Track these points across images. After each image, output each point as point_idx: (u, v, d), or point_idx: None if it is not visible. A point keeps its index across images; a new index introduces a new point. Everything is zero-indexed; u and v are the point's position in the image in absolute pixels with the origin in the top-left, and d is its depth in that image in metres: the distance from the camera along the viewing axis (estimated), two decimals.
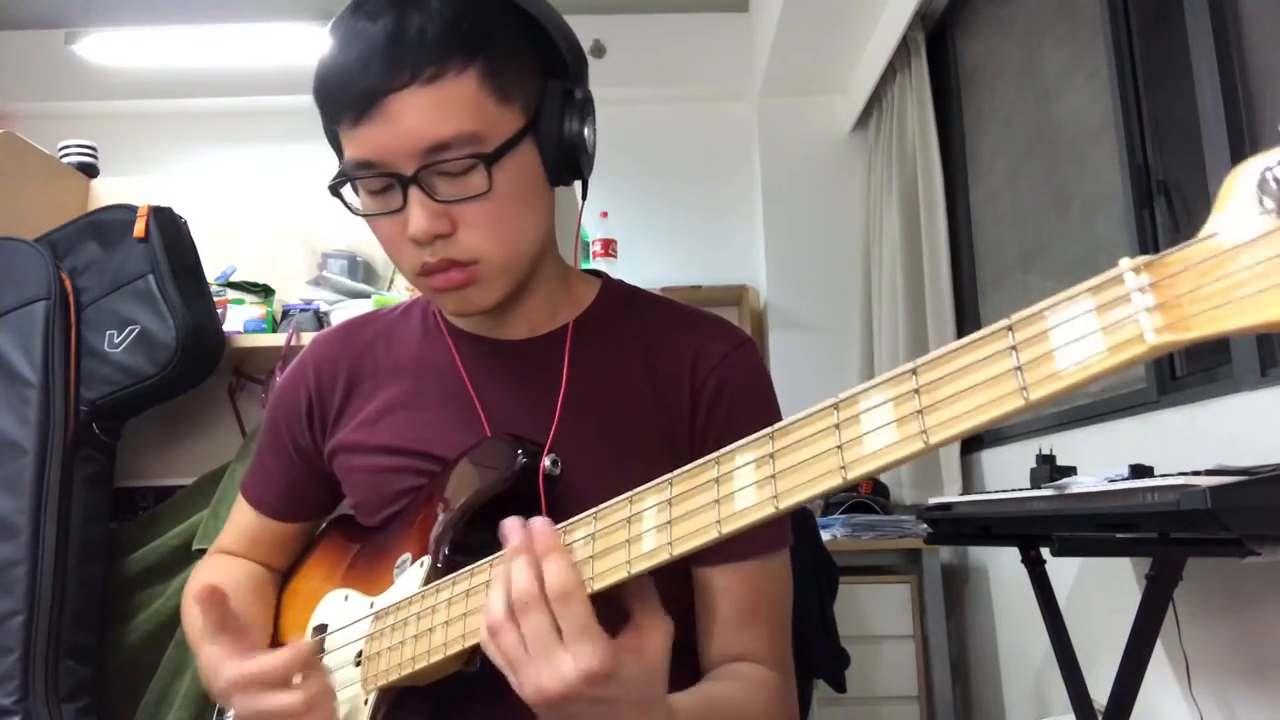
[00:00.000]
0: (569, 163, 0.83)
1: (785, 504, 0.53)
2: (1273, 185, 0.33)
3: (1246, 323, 0.34)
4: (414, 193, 0.77)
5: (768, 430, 0.56)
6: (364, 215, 0.83)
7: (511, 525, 0.68)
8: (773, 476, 0.54)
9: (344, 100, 0.77)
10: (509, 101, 0.79)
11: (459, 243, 0.79)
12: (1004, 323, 0.43)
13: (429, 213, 0.77)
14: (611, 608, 0.66)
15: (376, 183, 0.79)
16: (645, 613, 0.67)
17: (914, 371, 0.47)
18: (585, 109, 0.84)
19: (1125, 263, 0.38)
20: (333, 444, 0.96)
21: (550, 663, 0.62)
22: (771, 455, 0.54)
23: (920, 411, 0.46)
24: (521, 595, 0.64)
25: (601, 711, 0.65)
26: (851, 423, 0.50)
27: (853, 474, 0.49)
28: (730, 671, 0.86)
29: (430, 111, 0.75)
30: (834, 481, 0.50)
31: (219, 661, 0.82)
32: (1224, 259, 0.35)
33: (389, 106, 0.75)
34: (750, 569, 0.87)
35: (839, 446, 0.50)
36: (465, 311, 0.87)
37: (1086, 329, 0.39)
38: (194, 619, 0.97)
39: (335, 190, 0.82)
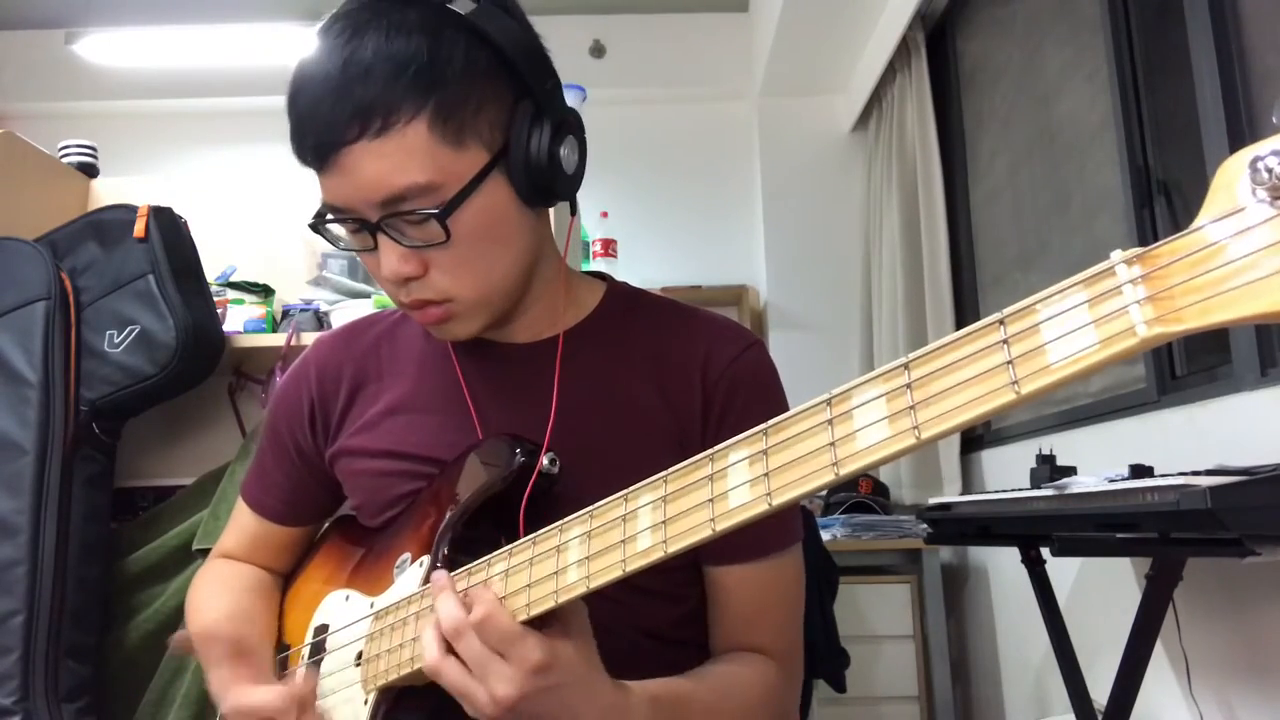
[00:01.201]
0: (543, 188, 0.81)
1: (778, 501, 0.53)
2: (1264, 174, 0.32)
3: (1238, 314, 0.34)
4: (381, 238, 0.78)
5: (761, 427, 0.56)
6: (346, 250, 0.85)
7: (437, 574, 0.73)
8: (766, 474, 0.53)
9: (304, 150, 0.78)
10: (466, 142, 0.76)
11: (430, 284, 0.80)
12: (995, 317, 0.42)
13: (398, 256, 0.78)
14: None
15: (349, 225, 0.80)
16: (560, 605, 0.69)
17: (906, 366, 0.47)
18: (561, 129, 0.81)
19: (1117, 255, 0.38)
20: (335, 448, 0.96)
21: (497, 675, 0.66)
22: (764, 452, 0.54)
23: (912, 407, 0.46)
24: (451, 625, 0.68)
25: (553, 700, 0.68)
26: (844, 419, 0.50)
27: (845, 470, 0.49)
28: (726, 660, 0.87)
29: (381, 164, 0.74)
30: (826, 478, 0.50)
31: (224, 687, 0.86)
32: (1216, 250, 0.35)
33: (343, 160, 0.75)
34: (762, 567, 0.87)
35: (831, 443, 0.50)
36: (448, 339, 0.88)
37: (1078, 322, 0.39)
38: (199, 633, 0.98)
39: (315, 227, 0.82)
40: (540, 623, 0.69)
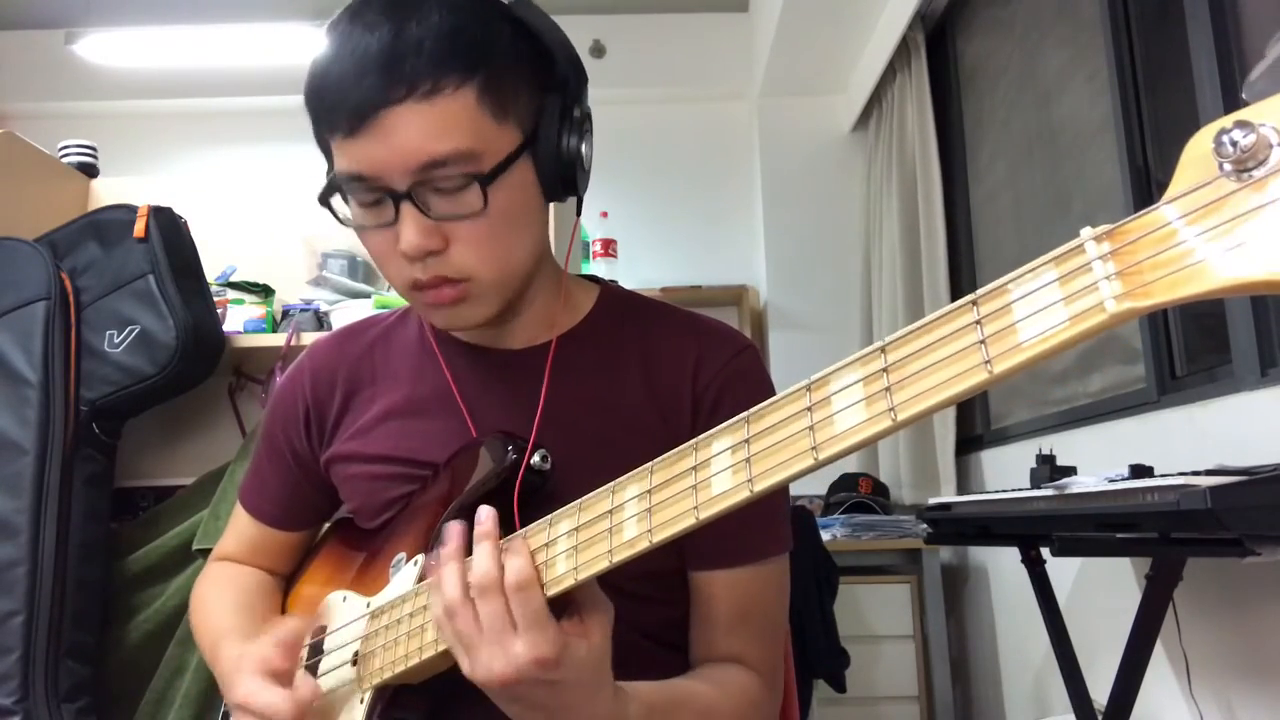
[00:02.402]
0: (565, 180, 0.82)
1: (760, 487, 0.53)
2: (1229, 148, 0.33)
3: (1205, 287, 0.34)
4: (406, 208, 0.76)
5: (743, 415, 0.56)
6: (354, 227, 0.82)
7: (483, 511, 0.69)
8: (748, 460, 0.54)
9: (338, 112, 0.76)
10: (506, 118, 0.77)
11: (451, 260, 0.79)
12: (969, 298, 0.43)
13: (421, 229, 0.76)
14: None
15: (368, 195, 0.79)
16: (587, 597, 0.68)
17: (883, 350, 0.47)
18: (584, 126, 0.83)
19: (1086, 232, 0.38)
20: (329, 453, 0.96)
21: (503, 647, 0.65)
22: (747, 440, 0.54)
23: (888, 389, 0.46)
24: (483, 580, 0.66)
25: (548, 693, 0.66)
26: (823, 404, 0.50)
27: (824, 454, 0.49)
28: (709, 671, 0.86)
29: (426, 127, 0.74)
30: (806, 463, 0.50)
31: (237, 668, 0.83)
32: (1183, 224, 0.35)
33: (384, 120, 0.74)
34: (745, 574, 0.87)
35: (810, 427, 0.50)
36: (455, 327, 0.87)
37: (1049, 300, 0.39)
38: (205, 625, 0.98)
39: (324, 201, 0.81)
40: (564, 610, 0.68)
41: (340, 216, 0.82)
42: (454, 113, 0.74)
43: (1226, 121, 0.33)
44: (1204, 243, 0.34)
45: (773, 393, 0.91)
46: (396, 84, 0.73)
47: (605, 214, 3.61)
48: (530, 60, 0.80)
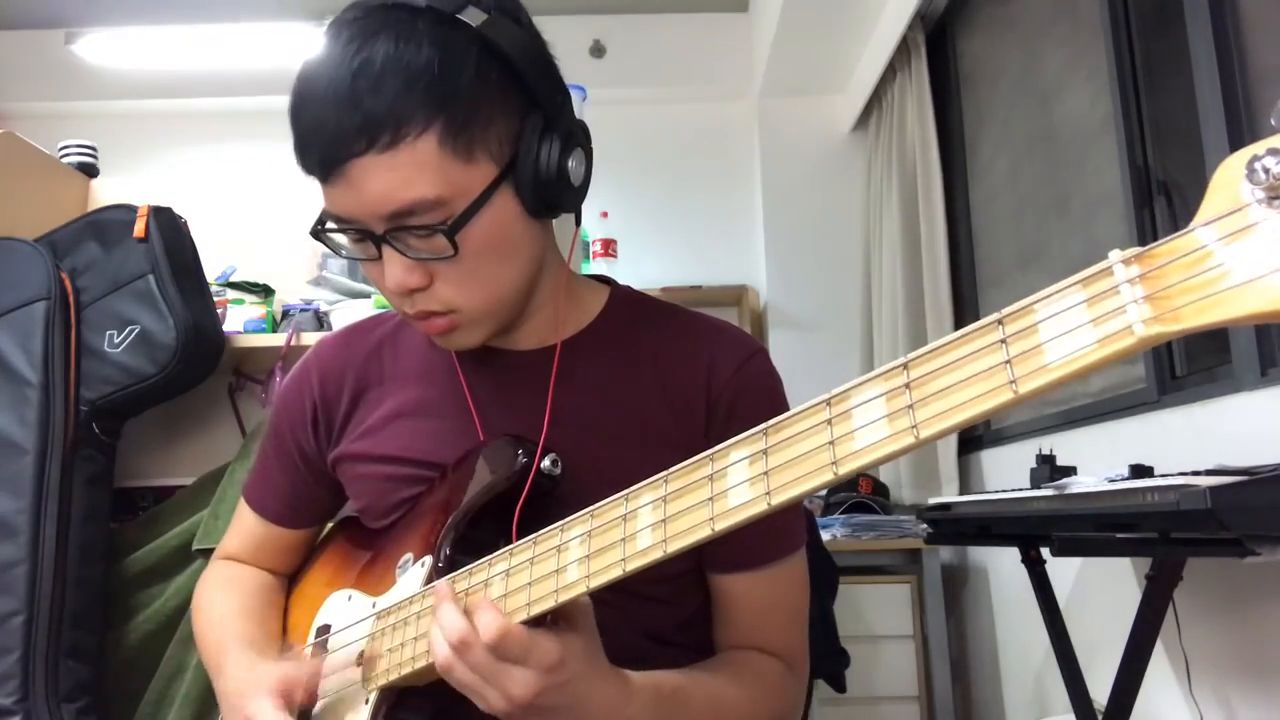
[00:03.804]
0: (550, 202, 0.81)
1: (777, 500, 0.53)
2: (1261, 175, 0.33)
3: (1235, 313, 0.34)
4: (386, 249, 0.77)
5: (761, 427, 0.56)
6: (348, 258, 0.84)
7: (439, 584, 0.74)
8: (765, 473, 0.54)
9: (308, 161, 0.77)
10: (475, 156, 0.75)
11: (435, 295, 0.79)
12: (994, 316, 0.43)
13: (403, 267, 0.77)
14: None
15: (352, 234, 0.80)
16: None
17: (905, 366, 0.47)
18: (569, 143, 0.80)
19: (1115, 254, 0.38)
20: (337, 452, 0.96)
21: (511, 678, 0.67)
22: (764, 452, 0.54)
23: (911, 406, 0.46)
24: (460, 639, 0.67)
25: (564, 694, 0.68)
26: (843, 418, 0.50)
27: (844, 469, 0.49)
28: (730, 656, 0.88)
29: (389, 179, 0.73)
30: (825, 477, 0.50)
31: (259, 685, 0.83)
32: (1213, 249, 0.35)
33: (350, 172, 0.74)
34: (766, 575, 0.88)
35: (830, 442, 0.50)
36: (453, 348, 0.88)
37: (1076, 322, 0.39)
38: (208, 630, 0.98)
39: (317, 235, 0.82)
40: (546, 620, 0.69)
41: (334, 247, 0.83)
42: (415, 162, 0.73)
43: (1259, 148, 0.33)
44: (1235, 269, 0.34)
45: (784, 395, 0.92)
46: (358, 135, 0.73)
47: (605, 214, 3.60)
48: (502, 84, 0.77)
